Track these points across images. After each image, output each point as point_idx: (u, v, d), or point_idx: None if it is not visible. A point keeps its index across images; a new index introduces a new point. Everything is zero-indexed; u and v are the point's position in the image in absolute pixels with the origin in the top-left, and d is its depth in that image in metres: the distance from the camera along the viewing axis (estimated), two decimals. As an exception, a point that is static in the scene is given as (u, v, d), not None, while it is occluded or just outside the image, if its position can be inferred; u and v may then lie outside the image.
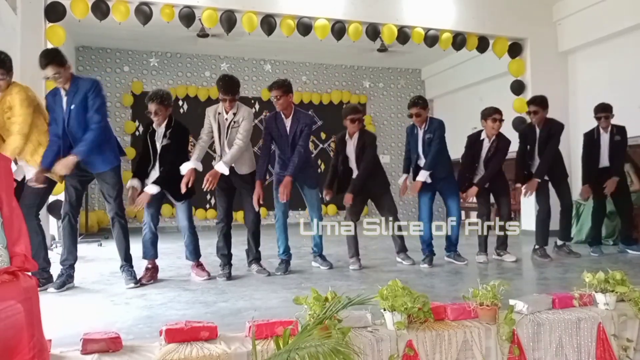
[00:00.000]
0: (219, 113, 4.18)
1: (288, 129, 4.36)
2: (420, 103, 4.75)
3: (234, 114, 4.15)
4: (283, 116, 4.38)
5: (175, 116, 4.23)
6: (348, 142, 4.73)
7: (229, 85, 4.10)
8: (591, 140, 5.42)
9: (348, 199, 4.60)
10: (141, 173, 4.13)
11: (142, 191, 4.00)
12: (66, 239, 3.78)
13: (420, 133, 4.79)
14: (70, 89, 3.64)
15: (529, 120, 5.55)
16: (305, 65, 10.56)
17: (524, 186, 5.09)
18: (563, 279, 4.07)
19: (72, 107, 3.61)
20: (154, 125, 4.13)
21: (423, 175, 4.71)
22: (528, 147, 5.16)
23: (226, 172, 4.03)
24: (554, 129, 5.06)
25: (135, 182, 4.08)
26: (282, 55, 10.00)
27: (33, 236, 3.65)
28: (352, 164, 4.72)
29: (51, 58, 3.57)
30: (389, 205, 4.74)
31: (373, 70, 11.04)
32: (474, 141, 5.08)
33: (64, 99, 3.65)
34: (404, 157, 5.12)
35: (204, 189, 4.01)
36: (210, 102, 9.72)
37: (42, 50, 3.76)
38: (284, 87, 4.30)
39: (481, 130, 5.06)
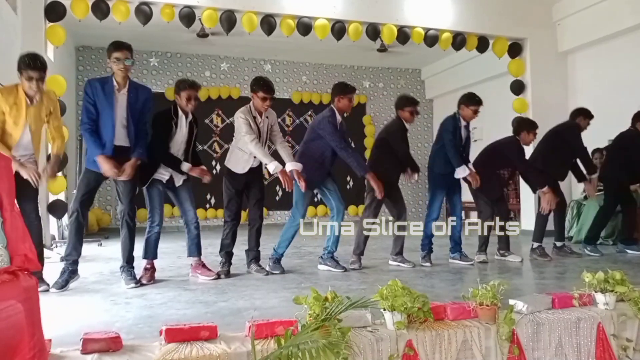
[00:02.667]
0: (254, 117, 4.21)
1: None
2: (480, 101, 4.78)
3: (267, 117, 4.27)
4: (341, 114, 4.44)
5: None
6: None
7: (271, 84, 4.24)
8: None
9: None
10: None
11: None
12: (72, 236, 3.77)
13: (463, 129, 4.78)
14: (130, 90, 3.72)
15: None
16: (305, 65, 10.56)
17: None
18: (562, 278, 4.08)
19: (130, 110, 3.71)
20: (179, 115, 4.04)
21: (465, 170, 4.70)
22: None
23: (300, 167, 4.17)
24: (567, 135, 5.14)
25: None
26: (282, 55, 10.00)
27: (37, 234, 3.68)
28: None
29: (127, 45, 3.71)
30: (401, 196, 4.74)
31: (373, 70, 11.05)
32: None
33: (124, 97, 3.70)
34: (455, 149, 4.69)
35: (287, 190, 4.17)
36: (210, 102, 9.74)
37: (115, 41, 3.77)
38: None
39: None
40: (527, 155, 5.20)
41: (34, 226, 3.58)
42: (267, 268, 4.30)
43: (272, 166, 4.05)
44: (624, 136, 5.48)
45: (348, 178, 9.98)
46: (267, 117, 4.27)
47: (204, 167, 4.21)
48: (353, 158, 4.33)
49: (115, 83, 3.70)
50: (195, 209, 4.25)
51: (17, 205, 2.02)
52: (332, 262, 4.44)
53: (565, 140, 5.14)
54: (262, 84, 4.17)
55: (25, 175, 3.39)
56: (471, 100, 4.72)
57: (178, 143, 4.05)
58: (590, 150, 6.75)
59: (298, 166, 4.16)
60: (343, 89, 4.44)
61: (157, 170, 4.01)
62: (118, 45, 3.70)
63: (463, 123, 4.77)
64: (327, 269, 4.43)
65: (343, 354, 2.04)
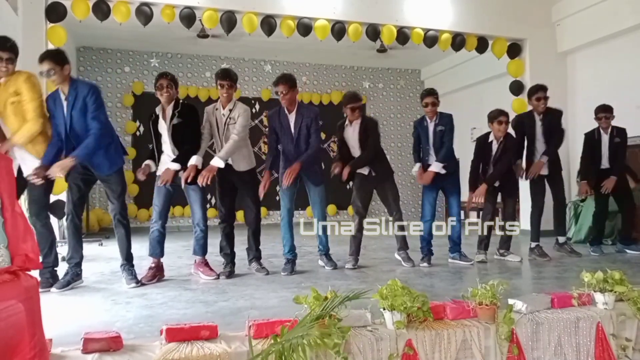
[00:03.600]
0: (216, 109, 4.24)
1: (292, 123, 4.35)
2: (435, 94, 4.78)
3: (230, 110, 4.20)
4: (287, 111, 4.37)
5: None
6: (347, 129, 4.68)
7: (227, 71, 4.23)
8: (591, 140, 5.46)
9: (345, 173, 4.53)
10: (153, 157, 4.19)
11: (146, 167, 4.13)
12: (71, 238, 3.80)
13: (431, 126, 4.78)
14: (70, 94, 3.64)
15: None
16: (305, 66, 10.57)
17: (529, 170, 5.14)
18: (562, 278, 4.08)
19: (73, 112, 3.63)
20: (157, 110, 4.12)
21: (437, 167, 4.68)
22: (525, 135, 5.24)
23: (221, 165, 4.04)
24: (555, 117, 5.15)
25: (150, 162, 4.17)
26: (282, 55, 10.01)
27: (47, 236, 3.68)
28: (355, 152, 4.66)
29: (48, 54, 3.62)
30: (393, 194, 4.72)
31: (373, 71, 11.06)
32: (482, 143, 5.08)
33: (64, 104, 3.66)
34: (413, 149, 5.00)
35: (201, 185, 4.01)
36: (210, 102, 9.69)
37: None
38: (290, 81, 4.31)
39: (489, 133, 5.06)
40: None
41: (38, 229, 3.59)
42: (282, 273, 4.28)
43: (192, 161, 4.03)
44: (584, 136, 5.58)
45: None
46: (230, 110, 4.20)
47: (192, 166, 4.01)
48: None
49: (60, 92, 3.67)
50: (203, 209, 4.22)
51: (20, 206, 2.02)
52: (324, 258, 4.59)
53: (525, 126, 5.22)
54: (218, 73, 4.24)
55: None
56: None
57: (164, 137, 4.09)
58: (573, 156, 6.84)
59: (198, 161, 4.05)
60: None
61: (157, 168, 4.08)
62: (40, 59, 3.60)
63: (429, 121, 4.78)
64: (322, 265, 4.58)
65: (343, 354, 2.05)
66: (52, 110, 3.69)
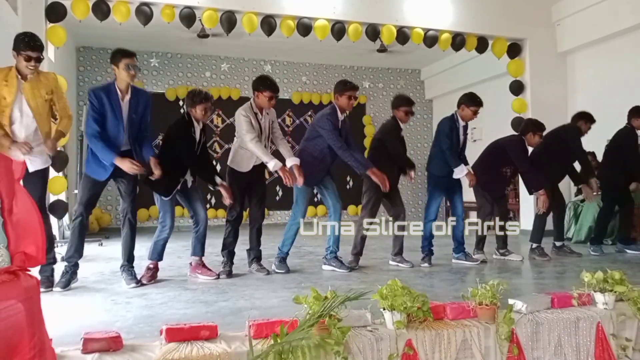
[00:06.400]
0: (255, 113, 4.23)
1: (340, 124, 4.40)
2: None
3: (267, 114, 4.30)
4: (339, 113, 4.40)
5: (175, 116, 4.25)
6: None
7: (277, 84, 4.29)
8: (632, 138, 5.38)
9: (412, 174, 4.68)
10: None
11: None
12: (75, 238, 3.80)
13: (461, 130, 4.77)
14: (132, 99, 3.75)
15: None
16: (305, 66, 10.57)
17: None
18: (562, 278, 4.08)
19: (134, 115, 3.76)
20: (194, 126, 4.11)
21: (462, 171, 4.69)
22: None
23: (297, 161, 4.19)
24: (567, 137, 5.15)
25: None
26: (282, 55, 10.01)
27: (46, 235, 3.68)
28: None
29: (130, 51, 3.80)
30: (400, 198, 4.73)
31: (373, 71, 11.06)
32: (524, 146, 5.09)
33: (123, 103, 3.74)
34: (449, 150, 4.67)
35: (289, 185, 4.16)
36: (210, 102, 9.74)
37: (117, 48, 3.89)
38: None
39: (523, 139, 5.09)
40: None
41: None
42: (273, 267, 4.31)
43: (272, 164, 4.06)
44: (617, 134, 5.47)
45: (348, 178, 9.99)
46: (267, 114, 4.29)
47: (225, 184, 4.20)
48: (352, 157, 4.30)
49: (118, 90, 3.74)
50: (206, 209, 4.28)
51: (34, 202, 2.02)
52: (336, 262, 4.43)
53: (564, 143, 5.13)
54: (269, 84, 4.21)
55: (14, 152, 3.24)
56: (472, 101, 4.69)
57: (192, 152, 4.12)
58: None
59: (297, 161, 4.18)
60: (342, 87, 4.44)
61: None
62: (128, 52, 3.76)
63: (462, 123, 4.76)
64: (332, 269, 4.42)
65: (343, 354, 2.05)
66: (103, 104, 3.69)
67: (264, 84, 4.21)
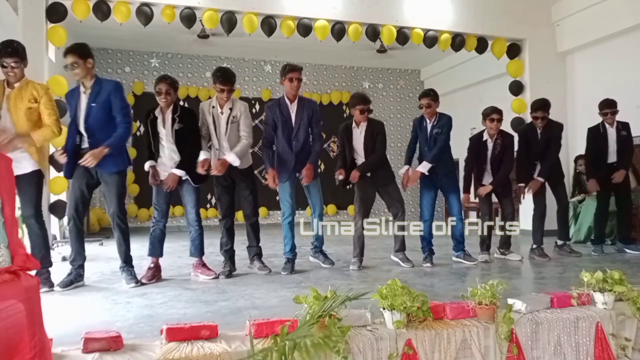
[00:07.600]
0: (213, 107, 4.20)
1: (294, 114, 4.33)
2: (431, 94, 4.75)
3: (230, 109, 4.18)
4: (287, 101, 4.35)
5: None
6: (354, 132, 4.65)
7: (229, 74, 4.17)
8: (597, 135, 5.37)
9: (355, 176, 4.51)
10: (153, 156, 4.17)
11: (155, 171, 4.11)
12: (73, 242, 3.81)
13: (429, 127, 4.78)
14: (93, 89, 3.72)
15: (528, 120, 5.57)
16: (305, 66, 10.52)
17: (527, 186, 5.11)
18: (561, 278, 4.08)
19: (93, 105, 3.70)
20: (156, 112, 4.12)
21: (424, 167, 4.70)
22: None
23: (236, 163, 4.09)
24: (555, 130, 5.10)
25: (152, 162, 4.14)
26: (282, 56, 10.00)
27: (43, 236, 3.68)
28: (359, 154, 4.64)
29: (72, 47, 3.69)
30: (397, 195, 4.70)
31: (372, 71, 11.07)
32: (475, 143, 5.09)
33: (83, 97, 3.73)
34: (408, 148, 5.06)
35: (212, 174, 4.10)
36: (210, 102, 9.75)
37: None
38: (301, 70, 4.43)
39: (482, 131, 5.08)
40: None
41: (34, 232, 3.60)
42: (282, 272, 4.28)
43: (200, 157, 4.07)
44: (588, 131, 5.51)
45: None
46: (230, 109, 4.19)
47: (205, 160, 4.11)
48: (266, 153, 4.42)
49: (81, 88, 3.75)
50: (197, 209, 4.21)
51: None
52: (320, 256, 4.62)
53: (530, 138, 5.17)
54: (218, 75, 4.14)
55: None
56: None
57: (165, 141, 4.09)
58: (573, 157, 6.81)
59: (208, 155, 4.12)
60: (282, 71, 4.42)
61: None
62: (65, 52, 3.70)
63: (429, 122, 4.78)
64: (317, 262, 4.62)
65: (343, 354, 2.05)
66: (70, 104, 3.76)
67: (214, 75, 4.16)
